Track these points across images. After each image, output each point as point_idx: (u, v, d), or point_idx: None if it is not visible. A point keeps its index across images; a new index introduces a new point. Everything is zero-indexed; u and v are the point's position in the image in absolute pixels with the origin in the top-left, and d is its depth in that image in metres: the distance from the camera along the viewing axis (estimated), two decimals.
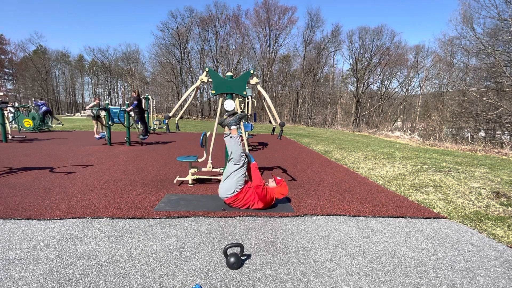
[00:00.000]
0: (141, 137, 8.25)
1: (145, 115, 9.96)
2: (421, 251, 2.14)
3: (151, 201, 3.06)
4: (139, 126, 9.86)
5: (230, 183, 2.92)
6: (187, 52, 40.23)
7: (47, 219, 2.47)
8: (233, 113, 3.30)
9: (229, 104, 3.81)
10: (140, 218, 2.57)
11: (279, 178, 3.15)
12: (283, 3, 53.82)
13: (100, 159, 5.53)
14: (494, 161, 5.60)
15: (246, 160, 3.06)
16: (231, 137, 3.10)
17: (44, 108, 11.94)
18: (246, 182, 3.05)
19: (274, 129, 4.67)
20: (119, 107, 9.79)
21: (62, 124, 13.11)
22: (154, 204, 2.98)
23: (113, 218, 2.55)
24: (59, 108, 47.43)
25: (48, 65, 45.12)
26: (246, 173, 3.07)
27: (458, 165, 4.68)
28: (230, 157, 3.06)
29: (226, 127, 3.26)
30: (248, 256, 1.98)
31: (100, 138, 8.16)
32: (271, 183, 3.13)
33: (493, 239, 2.39)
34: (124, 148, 7.27)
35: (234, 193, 2.89)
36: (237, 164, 2.98)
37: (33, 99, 12.71)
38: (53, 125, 12.82)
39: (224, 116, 3.32)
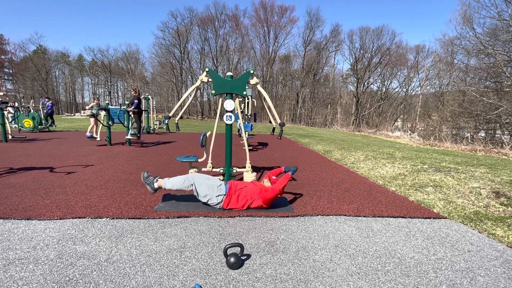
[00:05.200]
0: (132, 132, 7.94)
1: (144, 115, 9.96)
2: (421, 251, 2.14)
3: (151, 201, 3.06)
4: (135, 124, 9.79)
5: (208, 198, 2.85)
6: (187, 52, 40.27)
7: (47, 219, 2.47)
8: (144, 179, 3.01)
9: (229, 104, 3.81)
10: (140, 218, 2.57)
11: (274, 178, 3.15)
12: (281, 2, 53.93)
13: (100, 159, 5.53)
14: (494, 161, 5.60)
15: (192, 176, 2.91)
16: (165, 189, 2.94)
17: (50, 110, 12.09)
18: (220, 183, 2.94)
19: (274, 129, 4.67)
20: (119, 107, 9.79)
21: (55, 126, 13.06)
22: (154, 204, 2.98)
23: (113, 218, 2.55)
24: (59, 108, 47.41)
25: (48, 65, 45.15)
26: (210, 180, 2.94)
27: (458, 165, 4.68)
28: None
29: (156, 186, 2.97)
30: (248, 256, 1.98)
31: (91, 137, 7.98)
32: (266, 183, 3.13)
33: (493, 239, 2.39)
34: (124, 148, 7.27)
35: (222, 198, 2.85)
36: (191, 187, 2.85)
37: (41, 99, 12.74)
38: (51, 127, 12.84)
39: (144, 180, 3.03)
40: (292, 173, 3.25)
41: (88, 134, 8.13)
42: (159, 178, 2.98)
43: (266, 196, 2.85)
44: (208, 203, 2.89)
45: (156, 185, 2.91)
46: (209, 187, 2.86)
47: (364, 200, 3.39)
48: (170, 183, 2.89)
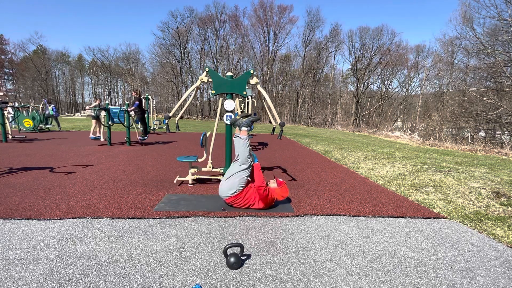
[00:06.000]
0: (140, 138, 8.28)
1: (145, 115, 9.97)
2: (421, 251, 2.14)
3: (151, 201, 3.06)
4: (139, 126, 9.89)
5: (232, 183, 2.91)
6: (187, 52, 40.26)
7: (47, 219, 2.47)
8: (246, 115, 3.30)
9: (229, 104, 3.81)
10: (140, 218, 2.57)
11: (281, 179, 3.15)
12: (281, 2, 53.99)
13: (100, 159, 5.53)
14: (494, 161, 5.60)
15: (252, 163, 3.06)
16: (240, 138, 3.09)
17: (56, 114, 12.28)
18: (248, 183, 3.04)
19: (274, 129, 4.67)
20: (119, 107, 9.79)
21: (51, 126, 13.08)
22: (154, 204, 2.98)
23: (113, 218, 2.55)
24: (59, 108, 47.40)
25: (48, 65, 45.12)
26: (249, 175, 3.06)
27: (458, 165, 4.68)
28: (237, 158, 3.06)
29: (237, 128, 3.25)
30: (248, 256, 1.98)
31: (94, 138, 8.09)
32: (272, 184, 3.13)
33: (493, 239, 2.39)
34: (124, 148, 7.27)
35: (235, 193, 2.89)
36: (243, 165, 2.97)
37: (44, 99, 12.86)
38: (54, 127, 12.85)
39: (238, 117, 3.32)
40: (256, 161, 3.24)
41: (91, 136, 8.25)
42: (246, 130, 3.15)
43: (259, 195, 2.88)
44: (227, 185, 2.93)
45: (244, 129, 3.11)
46: (245, 176, 2.95)
47: (364, 200, 3.39)
48: (246, 141, 3.03)
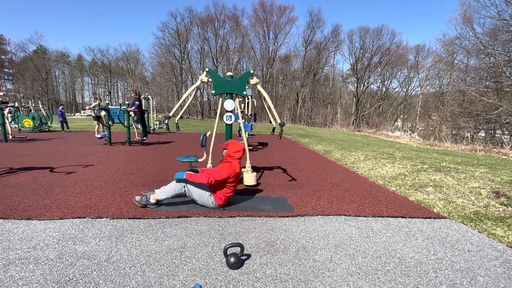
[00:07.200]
0: (140, 138, 8.28)
1: (145, 115, 10.00)
2: (421, 251, 2.14)
3: None
4: (139, 126, 9.92)
5: (201, 199, 2.84)
6: (187, 52, 40.30)
7: (47, 219, 2.47)
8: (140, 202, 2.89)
9: (229, 104, 3.81)
10: (140, 218, 2.57)
11: (224, 143, 3.11)
12: (281, 2, 54.06)
13: (100, 159, 5.53)
14: (494, 161, 5.60)
15: (182, 186, 2.84)
16: (161, 200, 2.86)
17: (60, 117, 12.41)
18: (203, 183, 2.84)
19: (274, 129, 4.67)
20: (119, 107, 9.79)
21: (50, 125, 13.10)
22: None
23: (113, 218, 2.55)
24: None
25: (48, 65, 45.17)
26: (192, 182, 2.84)
27: (458, 165, 4.68)
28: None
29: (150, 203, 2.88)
30: (248, 256, 1.98)
31: (100, 137, 8.18)
32: (224, 152, 3.09)
33: (493, 239, 2.39)
34: (124, 148, 7.27)
35: (211, 194, 2.82)
36: (183, 189, 2.82)
37: (60, 108, 12.98)
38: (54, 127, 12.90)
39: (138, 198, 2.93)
40: (183, 175, 2.88)
41: (97, 136, 8.31)
42: (152, 193, 2.89)
43: (221, 182, 2.78)
44: (204, 204, 2.88)
45: (153, 201, 2.85)
46: (193, 186, 2.83)
47: (364, 200, 3.39)
48: (164, 193, 2.83)
